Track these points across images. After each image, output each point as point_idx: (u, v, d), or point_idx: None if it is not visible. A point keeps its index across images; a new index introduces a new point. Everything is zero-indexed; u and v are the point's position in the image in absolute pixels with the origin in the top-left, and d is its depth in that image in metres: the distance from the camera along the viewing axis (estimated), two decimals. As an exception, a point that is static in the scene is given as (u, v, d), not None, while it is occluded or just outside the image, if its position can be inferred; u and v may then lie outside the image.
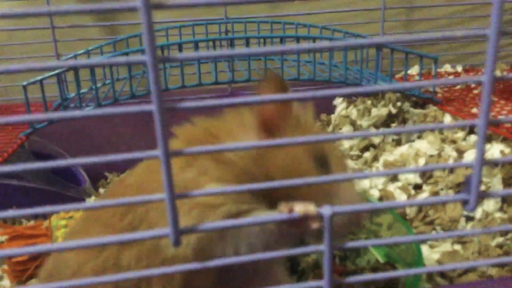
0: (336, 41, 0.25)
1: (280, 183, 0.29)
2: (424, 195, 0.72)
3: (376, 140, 0.92)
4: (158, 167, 0.26)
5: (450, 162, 0.73)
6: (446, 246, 0.64)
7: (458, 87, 0.98)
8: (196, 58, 0.25)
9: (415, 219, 0.70)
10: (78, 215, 0.62)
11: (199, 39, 0.75)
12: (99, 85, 0.85)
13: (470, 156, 0.75)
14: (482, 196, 0.30)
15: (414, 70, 1.05)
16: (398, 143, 0.91)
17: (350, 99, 1.07)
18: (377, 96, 1.03)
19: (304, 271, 0.61)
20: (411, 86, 0.28)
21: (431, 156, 0.78)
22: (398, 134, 0.93)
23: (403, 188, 0.75)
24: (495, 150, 0.72)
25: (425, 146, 0.80)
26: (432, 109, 0.92)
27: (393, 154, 0.84)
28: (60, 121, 0.77)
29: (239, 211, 0.40)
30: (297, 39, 0.80)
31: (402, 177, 0.77)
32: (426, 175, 0.76)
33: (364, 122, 0.97)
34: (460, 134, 0.82)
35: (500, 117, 0.69)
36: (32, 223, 0.68)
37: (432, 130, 0.87)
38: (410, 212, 0.70)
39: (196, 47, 0.78)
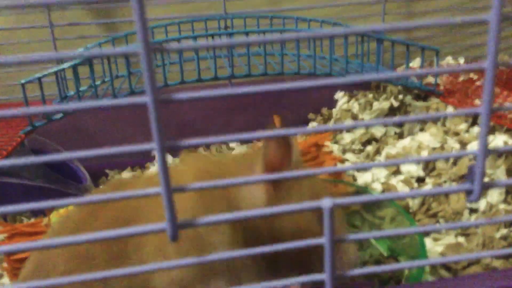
0: (336, 28, 0.24)
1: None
2: (427, 188, 0.72)
3: (378, 134, 0.91)
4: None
5: (452, 153, 0.73)
6: (450, 239, 0.64)
7: (460, 79, 0.97)
8: (191, 48, 0.25)
9: (418, 212, 0.69)
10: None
11: (198, 34, 0.75)
12: (98, 82, 0.85)
13: (473, 148, 0.74)
14: (486, 186, 0.30)
15: (415, 63, 1.05)
16: (400, 136, 0.91)
17: (351, 93, 1.07)
18: (378, 90, 1.02)
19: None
20: (413, 74, 0.27)
21: (434, 148, 0.78)
22: (400, 127, 0.93)
23: (406, 181, 0.74)
24: (498, 141, 0.71)
25: (428, 138, 0.80)
26: (434, 102, 0.92)
27: (395, 147, 0.83)
28: (60, 119, 0.77)
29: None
30: (297, 32, 0.79)
31: (404, 170, 0.76)
32: (429, 167, 0.76)
33: (365, 116, 0.96)
34: (463, 126, 0.81)
35: (498, 106, 0.68)
36: (33, 220, 0.68)
37: (434, 122, 0.86)
38: (413, 205, 0.70)
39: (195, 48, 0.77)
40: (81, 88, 0.81)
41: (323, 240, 0.30)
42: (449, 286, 0.42)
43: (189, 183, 0.42)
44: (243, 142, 1.04)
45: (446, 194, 0.69)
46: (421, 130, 0.88)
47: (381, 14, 1.10)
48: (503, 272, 0.45)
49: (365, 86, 1.06)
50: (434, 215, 0.68)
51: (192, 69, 0.82)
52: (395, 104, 0.95)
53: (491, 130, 0.76)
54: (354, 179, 0.78)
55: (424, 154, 0.77)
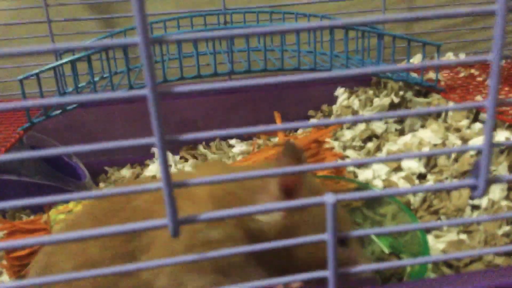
0: (336, 20, 0.24)
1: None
2: (428, 184, 0.71)
3: (379, 130, 0.91)
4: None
5: (456, 148, 0.72)
6: (452, 236, 0.63)
7: (461, 75, 0.97)
8: (190, 39, 0.24)
9: (420, 208, 0.69)
10: (78, 209, 0.61)
11: (197, 30, 0.74)
12: (96, 79, 0.84)
13: (474, 144, 0.73)
14: (491, 181, 0.29)
15: (416, 59, 1.04)
16: (401, 133, 0.90)
17: (351, 89, 1.06)
18: (379, 86, 1.02)
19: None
20: (417, 67, 0.27)
21: (435, 145, 0.77)
22: (401, 124, 0.92)
23: (407, 178, 0.74)
24: (500, 137, 0.71)
25: (429, 135, 0.79)
26: (435, 98, 0.91)
27: (396, 144, 0.82)
28: (58, 116, 0.76)
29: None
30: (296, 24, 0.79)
31: (405, 166, 0.76)
32: (430, 164, 0.75)
33: (366, 112, 0.96)
34: (464, 122, 0.81)
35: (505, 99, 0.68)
36: (31, 218, 0.67)
37: (435, 119, 0.86)
38: (415, 202, 0.70)
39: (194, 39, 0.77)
40: (80, 85, 0.80)
41: (326, 236, 0.29)
42: (451, 283, 0.42)
43: (205, 206, 0.42)
44: (243, 139, 1.03)
45: (448, 191, 0.69)
46: (422, 126, 0.88)
47: (382, 9, 1.10)
48: (505, 269, 0.44)
49: (365, 82, 1.06)
50: (436, 212, 0.67)
51: (192, 65, 0.82)
52: (396, 100, 0.94)
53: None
54: (355, 176, 0.77)
55: (425, 150, 0.77)
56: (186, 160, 0.97)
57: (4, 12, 1.08)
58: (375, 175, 0.76)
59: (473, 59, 0.27)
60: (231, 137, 1.02)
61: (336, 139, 0.92)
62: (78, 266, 0.40)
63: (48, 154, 0.25)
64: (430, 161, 0.75)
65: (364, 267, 0.31)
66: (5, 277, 0.61)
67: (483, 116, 0.82)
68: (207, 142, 1.03)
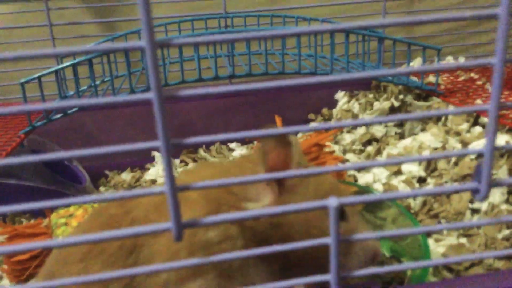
0: (336, 24, 0.24)
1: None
2: (428, 188, 0.71)
3: (379, 134, 0.91)
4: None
5: (457, 151, 0.72)
6: (452, 240, 0.63)
7: (461, 78, 0.97)
8: (194, 42, 0.24)
9: (420, 212, 0.69)
10: (79, 213, 0.61)
11: (198, 33, 0.74)
12: (98, 82, 0.85)
13: (475, 147, 0.74)
14: (493, 184, 0.29)
15: (416, 62, 1.04)
16: (401, 136, 0.91)
17: (352, 93, 1.06)
18: (379, 90, 1.02)
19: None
20: (417, 70, 0.27)
21: (435, 148, 0.77)
22: (401, 127, 0.92)
23: (407, 182, 0.74)
24: (500, 141, 0.71)
25: (429, 138, 0.79)
26: (435, 101, 0.91)
27: (396, 147, 0.83)
28: (59, 119, 0.77)
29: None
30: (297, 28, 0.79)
31: (405, 170, 0.76)
32: (430, 168, 0.75)
33: (366, 116, 0.96)
34: (465, 126, 0.81)
35: (507, 103, 0.68)
36: (32, 222, 0.67)
37: (435, 122, 0.86)
38: (415, 205, 0.70)
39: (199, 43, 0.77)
40: (81, 88, 0.80)
41: (329, 240, 0.29)
42: (451, 287, 0.42)
43: (198, 206, 0.42)
44: (243, 143, 1.03)
45: (448, 195, 0.69)
46: (422, 130, 0.88)
47: (382, 13, 1.10)
48: (506, 272, 0.44)
49: (365, 86, 1.06)
50: (436, 216, 0.68)
51: (193, 68, 0.82)
52: (396, 104, 0.94)
53: (493, 130, 0.76)
54: (355, 179, 0.78)
55: (426, 154, 0.77)
56: (187, 163, 0.98)
57: (5, 15, 1.08)
58: (375, 178, 0.76)
59: (475, 62, 0.27)
60: (232, 141, 1.03)
61: (336, 142, 0.92)
62: (87, 256, 0.41)
63: (49, 158, 0.25)
64: (430, 165, 0.75)
65: (365, 271, 0.31)
66: (6, 281, 0.61)
67: (483, 119, 0.82)
68: (207, 145, 1.03)
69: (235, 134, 0.28)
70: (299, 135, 0.93)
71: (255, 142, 0.99)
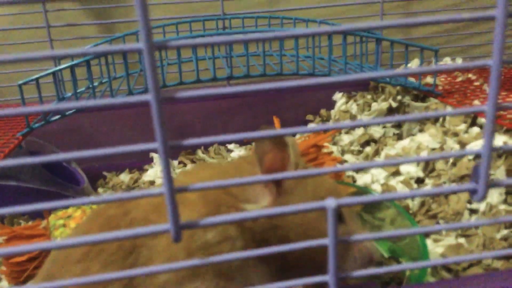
0: (335, 26, 0.24)
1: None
2: (427, 188, 0.71)
3: (377, 135, 0.91)
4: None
5: (455, 152, 0.73)
6: (450, 240, 0.63)
7: (458, 79, 0.97)
8: (192, 44, 0.24)
9: (418, 213, 0.69)
10: (77, 214, 0.61)
11: (196, 35, 0.74)
12: (95, 84, 0.85)
13: (473, 148, 0.74)
14: (491, 185, 0.29)
15: (414, 63, 1.05)
16: (399, 137, 0.91)
17: (349, 94, 1.06)
18: (377, 91, 1.02)
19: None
20: (416, 72, 0.27)
21: (433, 149, 0.78)
22: (399, 128, 0.92)
23: (405, 182, 0.74)
24: (498, 142, 0.71)
25: (427, 139, 0.80)
26: (433, 102, 0.92)
27: (394, 148, 0.83)
28: (57, 121, 0.76)
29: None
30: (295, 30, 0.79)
31: (404, 171, 0.76)
32: (428, 168, 0.75)
33: (364, 117, 0.96)
34: (462, 126, 0.81)
35: (504, 104, 0.68)
36: (30, 223, 0.67)
37: (433, 123, 0.86)
38: (413, 206, 0.70)
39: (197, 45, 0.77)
40: (78, 90, 0.80)
41: (327, 241, 0.29)
42: (450, 287, 0.42)
43: (196, 207, 0.42)
44: (241, 144, 1.03)
45: (446, 195, 0.69)
46: (420, 131, 0.88)
47: (380, 14, 1.10)
48: (504, 273, 0.44)
49: (363, 87, 1.06)
50: (434, 216, 0.68)
51: (191, 70, 0.82)
52: (394, 105, 0.94)
53: (491, 131, 0.76)
54: (354, 180, 0.78)
55: (424, 154, 0.77)
56: (185, 165, 0.98)
57: (3, 17, 1.08)
58: (373, 179, 0.76)
59: (473, 64, 0.28)
60: (230, 142, 1.03)
61: (335, 143, 0.92)
62: (87, 255, 0.41)
63: (47, 160, 0.25)
64: (428, 166, 0.76)
65: (364, 271, 0.31)
66: (4, 283, 0.61)
67: (480, 120, 0.82)
68: (206, 147, 1.03)
69: (233, 136, 0.28)
70: (297, 136, 0.93)
71: (254, 143, 0.99)
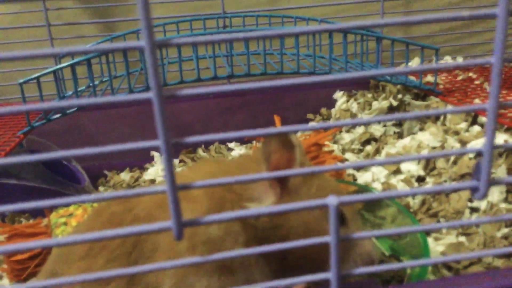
0: (335, 24, 0.24)
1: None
2: (427, 187, 0.72)
3: (378, 133, 0.91)
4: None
5: (456, 150, 0.73)
6: (451, 238, 0.63)
7: (459, 78, 0.97)
8: (193, 43, 0.24)
9: (419, 211, 0.69)
10: (79, 212, 0.61)
11: (197, 33, 0.74)
12: (96, 82, 0.85)
13: (473, 147, 0.74)
14: (492, 183, 0.30)
15: (414, 62, 1.05)
16: (400, 136, 0.91)
17: (350, 92, 1.06)
18: (377, 89, 1.02)
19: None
20: (416, 70, 0.27)
21: (434, 147, 0.78)
22: (400, 127, 0.92)
23: (406, 181, 0.74)
24: (499, 140, 0.71)
25: (428, 137, 0.80)
26: (433, 101, 0.92)
27: (395, 147, 0.83)
28: (58, 119, 0.77)
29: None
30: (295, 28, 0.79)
31: (404, 169, 0.76)
32: (429, 167, 0.75)
33: (365, 116, 0.96)
34: (463, 125, 0.81)
35: (506, 102, 0.68)
36: (31, 221, 0.67)
37: (434, 122, 0.86)
38: (414, 204, 0.70)
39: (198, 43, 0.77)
40: (79, 88, 0.80)
41: (329, 239, 0.29)
42: (450, 285, 0.42)
43: (200, 203, 0.42)
44: (242, 142, 1.03)
45: (447, 194, 0.69)
46: (421, 129, 0.88)
47: (380, 12, 1.10)
48: (504, 271, 0.44)
49: (364, 85, 1.06)
50: (435, 215, 0.68)
51: (191, 68, 0.82)
52: (394, 103, 0.94)
53: (491, 129, 0.76)
54: (354, 178, 0.78)
55: (424, 153, 0.77)
56: (186, 163, 0.98)
57: (4, 16, 1.08)
58: (374, 178, 0.76)
59: (474, 62, 0.28)
60: (231, 140, 1.03)
61: (336, 142, 0.92)
62: (90, 252, 0.41)
63: (47, 157, 0.26)
64: (429, 164, 0.76)
65: (366, 269, 0.31)
66: (5, 281, 0.61)
67: (481, 119, 0.82)
68: (206, 145, 1.03)
69: (234, 133, 0.28)
70: (298, 134, 0.94)
71: (254, 142, 0.99)
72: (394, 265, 0.33)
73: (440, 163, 0.74)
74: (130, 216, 0.42)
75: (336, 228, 0.29)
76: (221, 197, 0.43)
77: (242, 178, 0.28)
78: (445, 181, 0.71)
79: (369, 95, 1.01)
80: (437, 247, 0.62)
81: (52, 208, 0.64)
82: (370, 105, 0.98)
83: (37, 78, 0.73)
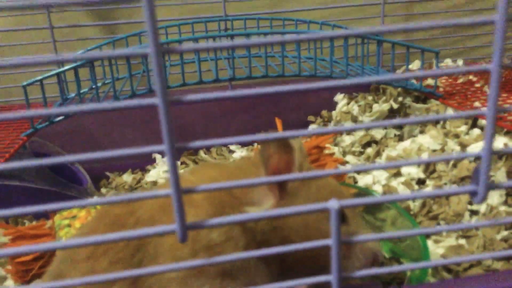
0: (336, 30, 0.24)
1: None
2: (427, 190, 0.72)
3: (378, 136, 0.92)
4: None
5: (455, 154, 0.73)
6: (451, 241, 0.64)
7: (459, 81, 0.98)
8: (197, 49, 0.25)
9: (419, 214, 0.69)
10: (82, 214, 0.62)
11: (199, 36, 0.75)
12: (99, 84, 0.85)
13: (473, 150, 0.74)
14: (491, 187, 0.30)
15: (415, 65, 1.05)
16: (400, 138, 0.91)
17: (351, 95, 1.07)
18: (378, 92, 1.03)
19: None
20: (415, 76, 0.27)
21: (434, 150, 0.78)
22: (400, 129, 0.93)
23: (406, 184, 0.74)
24: (498, 143, 0.72)
25: (428, 140, 0.80)
26: (434, 104, 0.92)
27: (395, 149, 0.83)
28: (61, 121, 0.77)
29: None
30: (297, 35, 0.79)
31: (405, 172, 0.76)
32: (429, 170, 0.76)
33: (365, 118, 0.96)
34: (463, 128, 0.81)
35: (504, 107, 0.69)
36: (34, 223, 0.68)
37: (434, 124, 0.87)
38: (414, 207, 0.70)
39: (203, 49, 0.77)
40: (82, 90, 0.81)
41: (330, 242, 0.30)
42: (450, 288, 0.42)
43: (202, 207, 0.43)
44: (243, 145, 1.04)
45: (447, 196, 0.70)
46: (421, 132, 0.88)
47: (381, 15, 1.11)
48: (504, 273, 0.45)
49: (364, 88, 1.07)
50: (435, 217, 0.68)
51: (193, 71, 0.83)
52: (395, 106, 0.95)
53: (491, 132, 0.76)
54: (355, 181, 0.78)
55: (425, 156, 0.77)
56: (187, 165, 0.98)
57: (7, 18, 1.09)
58: (374, 180, 0.76)
59: (473, 68, 0.28)
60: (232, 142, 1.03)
61: (336, 144, 0.93)
62: (94, 253, 0.41)
63: (52, 162, 0.26)
64: (429, 167, 0.76)
65: (366, 271, 0.32)
66: (10, 282, 0.61)
67: (481, 122, 0.82)
68: (208, 147, 1.04)
69: (237, 138, 0.28)
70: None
71: (256, 144, 1.00)
72: (394, 268, 0.33)
73: (441, 166, 0.75)
74: (133, 219, 0.43)
75: (337, 231, 0.29)
76: (221, 202, 0.43)
77: (242, 183, 0.28)
78: (445, 183, 0.72)
79: (370, 98, 1.01)
80: (437, 250, 0.62)
81: (56, 210, 0.64)
82: (370, 107, 0.99)
83: (41, 80, 0.73)
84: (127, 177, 0.97)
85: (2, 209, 0.26)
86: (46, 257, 0.59)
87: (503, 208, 0.66)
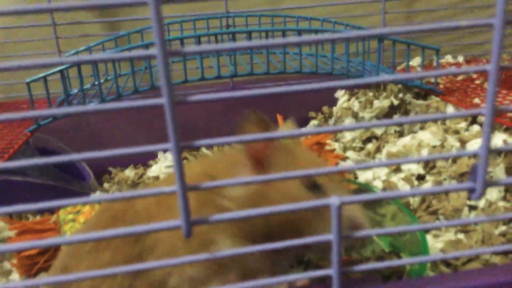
0: (338, 32, 0.25)
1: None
2: (427, 186, 0.73)
3: (379, 132, 0.92)
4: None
5: (453, 152, 0.74)
6: (450, 235, 0.65)
7: (460, 77, 0.98)
8: (202, 51, 0.26)
9: (419, 209, 0.70)
10: (86, 209, 0.63)
11: (201, 33, 0.75)
12: (101, 80, 0.86)
13: (473, 146, 0.75)
14: (489, 184, 0.31)
15: (415, 62, 1.06)
16: (400, 134, 0.92)
17: (351, 91, 1.07)
18: (378, 88, 1.03)
19: (310, 261, 0.62)
20: (415, 76, 0.28)
21: (434, 147, 0.79)
22: (401, 126, 0.94)
23: (406, 179, 0.75)
24: (498, 140, 0.72)
25: (428, 137, 0.81)
26: (434, 100, 0.93)
27: (396, 145, 0.84)
28: (64, 117, 0.78)
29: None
30: (299, 32, 0.80)
31: (405, 168, 0.77)
32: (429, 165, 0.77)
33: (366, 114, 0.97)
34: (463, 124, 0.82)
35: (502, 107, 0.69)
36: (39, 218, 0.69)
37: (434, 121, 0.87)
38: (414, 202, 0.71)
39: (198, 42, 0.78)
40: (85, 87, 0.81)
41: (331, 237, 0.31)
42: (449, 282, 0.43)
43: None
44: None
45: (446, 192, 0.70)
46: (421, 128, 0.89)
47: (382, 12, 1.11)
48: (502, 267, 0.45)
49: (365, 84, 1.07)
50: (434, 212, 0.69)
51: (195, 67, 0.83)
52: (395, 102, 0.95)
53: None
54: (355, 176, 0.79)
55: (424, 152, 0.78)
56: (189, 160, 0.99)
57: (9, 15, 1.09)
58: (375, 176, 0.77)
59: (473, 69, 0.29)
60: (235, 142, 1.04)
61: (337, 140, 0.94)
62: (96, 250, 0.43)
63: (60, 160, 0.27)
64: (429, 163, 0.77)
65: (366, 266, 0.33)
66: (15, 276, 0.62)
67: (481, 119, 0.83)
68: (211, 145, 1.04)
69: (243, 137, 0.29)
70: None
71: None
72: (393, 262, 0.34)
73: (440, 162, 0.75)
74: (131, 213, 0.45)
75: (337, 227, 0.30)
76: (204, 199, 0.44)
77: (231, 181, 0.29)
78: (445, 179, 0.73)
79: (370, 94, 1.02)
80: (436, 244, 0.63)
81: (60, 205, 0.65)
82: (371, 103, 0.99)
83: (44, 77, 0.74)
84: (130, 172, 0.98)
85: (6, 204, 0.27)
86: (51, 251, 0.60)
87: (501, 203, 0.67)
